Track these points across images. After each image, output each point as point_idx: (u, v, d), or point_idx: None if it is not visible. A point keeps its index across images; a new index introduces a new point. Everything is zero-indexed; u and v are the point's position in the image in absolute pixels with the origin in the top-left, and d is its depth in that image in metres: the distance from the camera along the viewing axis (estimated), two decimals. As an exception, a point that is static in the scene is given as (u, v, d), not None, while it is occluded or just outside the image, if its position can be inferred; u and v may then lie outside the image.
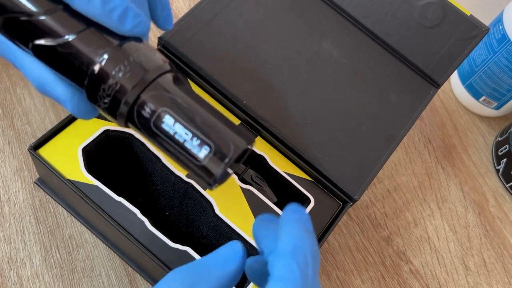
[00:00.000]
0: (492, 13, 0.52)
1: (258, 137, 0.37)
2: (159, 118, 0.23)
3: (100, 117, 0.35)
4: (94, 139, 0.34)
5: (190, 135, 0.23)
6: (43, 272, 0.36)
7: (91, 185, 0.32)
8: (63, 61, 0.24)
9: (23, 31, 0.24)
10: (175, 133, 0.23)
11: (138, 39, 0.25)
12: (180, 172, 0.34)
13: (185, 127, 0.23)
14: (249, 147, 0.24)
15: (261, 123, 0.36)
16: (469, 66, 0.53)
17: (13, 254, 0.36)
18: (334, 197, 0.37)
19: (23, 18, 0.24)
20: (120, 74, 0.23)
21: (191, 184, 0.34)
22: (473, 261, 0.46)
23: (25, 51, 0.25)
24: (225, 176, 0.24)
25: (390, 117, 0.39)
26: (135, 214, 0.32)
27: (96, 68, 0.23)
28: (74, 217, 0.38)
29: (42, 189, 0.38)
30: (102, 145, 0.35)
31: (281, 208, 0.35)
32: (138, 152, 0.36)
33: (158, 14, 0.29)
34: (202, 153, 0.23)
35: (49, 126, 0.41)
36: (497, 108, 0.53)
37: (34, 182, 0.38)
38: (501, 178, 0.51)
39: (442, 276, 0.44)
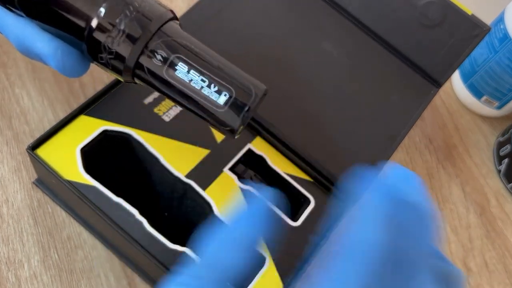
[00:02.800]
0: (494, 12, 0.52)
1: (258, 137, 0.37)
2: (172, 66, 0.22)
3: (98, 117, 0.35)
4: (93, 139, 0.34)
5: (207, 81, 0.22)
6: (41, 273, 0.35)
7: (90, 185, 0.32)
8: (56, 15, 0.22)
9: None
10: (191, 80, 0.22)
11: None
12: (179, 172, 0.34)
13: (201, 73, 0.22)
14: (267, 89, 0.23)
15: (261, 123, 0.36)
16: (470, 65, 0.53)
17: (11, 255, 0.36)
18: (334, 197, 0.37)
19: None
20: (123, 24, 0.21)
21: (190, 184, 0.34)
22: (474, 262, 0.45)
23: (7, 9, 0.23)
24: (247, 120, 0.23)
25: (390, 117, 0.38)
26: (133, 215, 0.32)
27: (95, 20, 0.22)
28: (73, 217, 0.37)
29: (41, 189, 0.38)
30: (101, 145, 0.35)
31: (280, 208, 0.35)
32: (137, 153, 0.35)
33: None
34: (222, 99, 0.22)
35: (48, 126, 0.41)
36: (499, 108, 0.53)
37: (33, 182, 0.38)
38: (503, 179, 0.50)
39: (443, 277, 0.44)
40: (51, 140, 0.33)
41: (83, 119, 0.34)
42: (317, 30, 0.40)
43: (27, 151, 0.32)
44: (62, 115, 0.41)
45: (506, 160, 0.50)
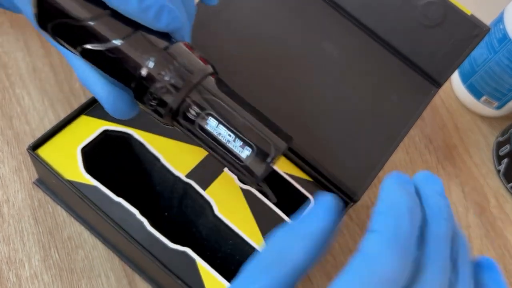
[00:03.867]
0: (493, 13, 0.52)
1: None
2: (204, 120, 0.24)
3: (99, 117, 0.35)
4: (93, 139, 0.34)
5: (233, 136, 0.24)
6: (42, 272, 0.35)
7: (90, 185, 0.32)
8: (110, 64, 0.25)
9: (73, 35, 0.25)
10: (219, 134, 0.24)
11: (182, 42, 0.26)
12: (180, 172, 0.34)
13: (228, 129, 0.24)
14: (288, 146, 0.25)
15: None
16: (470, 65, 0.53)
17: (12, 254, 0.36)
18: (334, 198, 0.37)
19: (73, 23, 0.25)
20: (167, 78, 0.24)
21: (190, 184, 0.34)
22: (474, 262, 0.45)
23: (73, 52, 0.26)
24: (266, 174, 0.25)
25: (390, 117, 0.38)
26: (134, 215, 0.32)
27: (144, 72, 0.24)
28: (73, 217, 0.38)
29: (41, 189, 0.38)
30: (101, 145, 0.35)
31: (280, 208, 0.35)
32: (137, 153, 0.36)
33: None
34: (244, 153, 0.24)
35: (48, 126, 0.41)
36: (498, 108, 0.53)
37: (33, 182, 0.38)
38: (502, 179, 0.50)
39: (443, 276, 0.44)
40: (52, 140, 0.33)
41: (83, 119, 0.35)
42: (317, 30, 0.40)
43: (28, 151, 0.32)
44: (62, 115, 0.42)
45: (505, 160, 0.50)
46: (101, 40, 0.25)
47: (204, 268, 0.31)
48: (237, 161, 0.24)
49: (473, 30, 0.40)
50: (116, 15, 0.25)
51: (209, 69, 0.25)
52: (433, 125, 0.53)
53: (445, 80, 0.40)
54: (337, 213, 0.21)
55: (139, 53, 0.25)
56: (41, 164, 0.32)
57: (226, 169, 0.35)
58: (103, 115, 0.35)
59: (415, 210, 0.21)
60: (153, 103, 0.25)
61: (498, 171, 0.51)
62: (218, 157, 0.25)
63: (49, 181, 0.36)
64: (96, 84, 0.27)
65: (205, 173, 0.34)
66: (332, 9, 0.41)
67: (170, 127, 0.26)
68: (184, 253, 0.32)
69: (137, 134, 0.34)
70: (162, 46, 0.25)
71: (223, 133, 0.24)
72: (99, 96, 0.27)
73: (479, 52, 0.51)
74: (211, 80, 0.25)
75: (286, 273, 0.20)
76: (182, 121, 0.25)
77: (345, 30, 0.40)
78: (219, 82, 0.25)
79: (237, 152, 0.24)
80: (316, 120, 0.37)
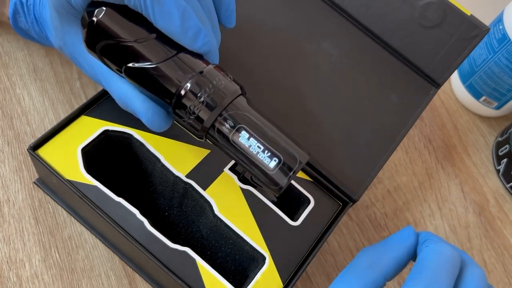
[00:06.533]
0: (493, 13, 0.52)
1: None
2: (237, 133, 0.27)
3: (99, 117, 0.35)
4: (94, 139, 0.34)
5: (263, 147, 0.27)
6: (42, 272, 0.36)
7: (91, 185, 0.32)
8: (153, 82, 0.28)
9: (119, 55, 0.28)
10: (250, 146, 0.27)
11: (213, 65, 0.29)
12: (180, 172, 0.34)
13: (258, 141, 0.27)
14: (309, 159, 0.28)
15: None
16: (470, 66, 0.53)
17: (12, 254, 0.36)
18: (334, 198, 0.37)
19: (123, 43, 0.28)
20: (204, 97, 0.27)
21: (190, 184, 0.34)
22: (473, 262, 0.46)
23: (113, 71, 0.30)
24: (289, 182, 0.28)
25: (390, 117, 0.39)
26: (134, 215, 0.32)
27: (183, 91, 0.27)
28: (74, 217, 0.38)
29: (42, 189, 0.38)
30: (102, 145, 0.35)
31: (280, 208, 0.35)
32: (137, 152, 0.36)
33: (222, 14, 0.33)
34: (272, 164, 0.27)
35: (49, 126, 0.41)
36: (498, 108, 0.53)
37: (34, 182, 0.38)
38: (502, 178, 0.50)
39: (442, 276, 0.44)
40: (52, 140, 0.33)
41: (84, 119, 0.35)
42: (317, 30, 0.40)
43: (28, 151, 0.32)
44: (63, 115, 0.42)
45: (505, 160, 0.50)
46: (148, 59, 0.28)
47: (204, 268, 0.31)
48: (266, 171, 0.27)
49: (472, 31, 0.40)
50: (161, 38, 0.28)
51: (239, 90, 0.28)
52: (432, 125, 0.53)
53: (445, 80, 0.40)
54: (414, 239, 0.28)
55: (180, 73, 0.28)
56: (41, 164, 0.32)
57: (226, 169, 0.35)
58: (103, 115, 0.35)
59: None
60: (191, 118, 0.28)
61: (498, 171, 0.51)
62: (247, 167, 0.28)
63: (49, 181, 0.36)
64: (137, 101, 0.30)
65: (205, 173, 0.34)
66: (332, 9, 0.41)
67: (201, 140, 0.29)
68: (184, 253, 0.32)
69: (137, 134, 0.34)
70: (199, 68, 0.28)
71: (253, 145, 0.27)
72: (139, 111, 0.30)
73: (479, 53, 0.51)
74: (242, 99, 0.28)
75: (376, 278, 0.26)
76: (216, 136, 0.28)
77: (345, 30, 0.40)
78: (248, 101, 0.29)
79: (266, 162, 0.27)
80: (315, 120, 0.37)
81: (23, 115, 0.41)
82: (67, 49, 0.33)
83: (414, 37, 0.40)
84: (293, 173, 0.27)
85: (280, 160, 0.27)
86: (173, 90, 0.28)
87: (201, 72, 0.28)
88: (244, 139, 0.27)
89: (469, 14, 0.40)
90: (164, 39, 0.28)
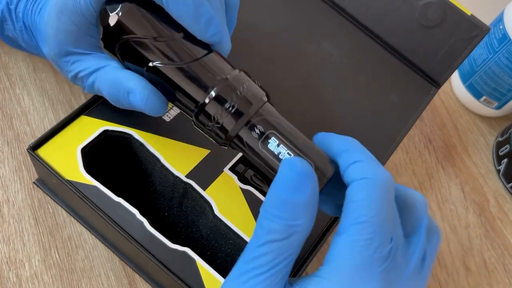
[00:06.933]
0: (493, 13, 0.52)
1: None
2: (266, 139, 0.26)
3: (99, 117, 0.35)
4: (93, 139, 0.34)
5: (292, 155, 0.26)
6: (42, 272, 0.35)
7: (90, 185, 0.32)
8: (175, 85, 0.27)
9: (144, 52, 0.27)
10: (279, 153, 0.26)
11: (239, 69, 0.28)
12: (180, 172, 0.34)
13: (288, 147, 0.26)
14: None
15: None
16: (470, 66, 0.53)
17: (12, 254, 0.36)
18: (334, 198, 0.37)
19: (149, 41, 0.27)
20: (235, 100, 0.26)
21: (190, 184, 0.34)
22: (473, 262, 0.45)
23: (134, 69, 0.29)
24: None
25: (390, 117, 0.38)
26: (134, 215, 0.32)
27: (207, 99, 0.26)
28: (73, 217, 0.38)
29: (41, 189, 0.38)
30: (101, 145, 0.35)
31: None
32: (137, 152, 0.36)
33: (227, 11, 0.32)
34: None
35: (48, 126, 0.41)
36: (498, 108, 0.53)
37: (33, 182, 0.38)
38: (502, 179, 0.50)
39: (443, 277, 0.44)
40: (52, 140, 0.33)
41: (83, 119, 0.35)
42: (317, 30, 0.40)
43: (28, 151, 0.32)
44: (63, 115, 0.42)
45: (505, 160, 0.50)
46: (172, 59, 0.27)
47: (204, 268, 0.31)
48: None
49: (472, 30, 0.40)
50: (188, 38, 0.27)
51: (265, 96, 0.27)
52: (432, 125, 0.53)
53: (445, 80, 0.40)
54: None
55: (206, 78, 0.27)
56: (41, 164, 0.32)
57: (226, 169, 0.35)
58: (103, 115, 0.35)
59: None
60: (215, 127, 0.27)
61: (498, 171, 0.51)
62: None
63: (49, 181, 0.36)
64: (130, 79, 0.28)
65: (205, 173, 0.34)
66: (332, 9, 0.41)
67: (224, 147, 0.28)
68: (184, 253, 0.32)
69: (137, 134, 0.34)
70: (225, 74, 0.27)
71: (283, 152, 0.26)
72: (133, 90, 0.28)
73: (479, 52, 0.51)
74: (270, 105, 0.27)
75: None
76: (244, 141, 0.27)
77: (345, 30, 0.40)
78: (274, 107, 0.28)
79: None
80: (315, 120, 0.37)
81: (23, 115, 0.41)
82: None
83: (414, 37, 0.40)
84: (326, 181, 0.26)
85: (312, 167, 0.25)
86: (198, 97, 0.27)
87: (227, 79, 0.27)
88: (273, 146, 0.26)
89: (469, 14, 0.40)
90: (190, 38, 0.27)
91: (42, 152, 0.33)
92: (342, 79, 0.39)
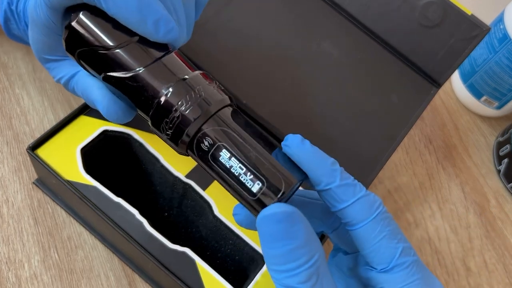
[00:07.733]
0: (493, 13, 0.52)
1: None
2: (217, 152, 0.24)
3: (99, 117, 0.35)
4: (93, 139, 0.34)
5: (245, 169, 0.24)
6: (41, 273, 0.35)
7: (90, 185, 0.32)
8: (130, 92, 0.26)
9: (97, 62, 0.26)
10: (231, 166, 0.24)
11: (199, 72, 0.26)
12: (179, 172, 0.34)
13: (240, 162, 0.24)
14: (299, 183, 0.25)
15: (261, 123, 0.36)
16: (470, 65, 0.53)
17: (12, 255, 0.36)
18: (334, 198, 0.37)
19: (99, 51, 0.26)
20: (183, 107, 0.24)
21: (190, 184, 0.34)
22: (474, 262, 0.45)
23: (96, 76, 0.27)
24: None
25: (390, 117, 0.38)
26: (133, 215, 0.32)
27: (162, 99, 0.25)
28: (73, 217, 0.37)
29: (41, 189, 0.38)
30: (101, 145, 0.35)
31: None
32: (137, 153, 0.35)
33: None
34: (255, 187, 0.24)
35: (48, 126, 0.41)
36: (498, 108, 0.53)
37: (33, 182, 0.38)
38: (502, 179, 0.50)
39: (443, 277, 0.44)
40: (51, 140, 0.33)
41: (83, 119, 0.35)
42: (317, 30, 0.40)
43: (27, 151, 0.32)
44: (62, 115, 0.41)
45: (505, 160, 0.50)
46: (122, 68, 0.25)
47: (204, 268, 0.31)
48: (248, 195, 0.24)
49: (473, 30, 0.40)
50: (143, 42, 0.26)
51: (226, 100, 0.25)
52: (433, 125, 0.53)
53: (445, 80, 0.40)
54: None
55: (158, 81, 0.25)
56: (40, 164, 0.32)
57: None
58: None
59: None
60: (169, 132, 0.25)
61: (498, 171, 0.51)
62: (229, 190, 0.25)
63: (48, 181, 0.36)
64: (95, 90, 0.28)
65: (205, 173, 0.34)
66: (332, 9, 0.41)
67: (185, 155, 0.26)
68: (184, 253, 0.32)
69: (137, 135, 0.34)
70: (181, 76, 0.25)
71: (235, 166, 0.24)
72: (96, 100, 0.28)
73: (479, 52, 0.51)
74: (227, 111, 0.25)
75: None
76: (195, 152, 0.25)
77: (345, 30, 0.40)
78: (235, 113, 0.25)
79: (248, 185, 0.24)
80: (315, 120, 0.37)
81: (22, 115, 0.41)
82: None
83: (415, 37, 0.40)
84: (279, 197, 0.23)
85: (263, 184, 0.24)
86: (152, 101, 0.25)
87: (183, 79, 0.25)
88: (224, 159, 0.24)
89: (469, 14, 0.40)
90: (144, 41, 0.26)
91: (42, 152, 0.33)
92: (342, 79, 0.39)
